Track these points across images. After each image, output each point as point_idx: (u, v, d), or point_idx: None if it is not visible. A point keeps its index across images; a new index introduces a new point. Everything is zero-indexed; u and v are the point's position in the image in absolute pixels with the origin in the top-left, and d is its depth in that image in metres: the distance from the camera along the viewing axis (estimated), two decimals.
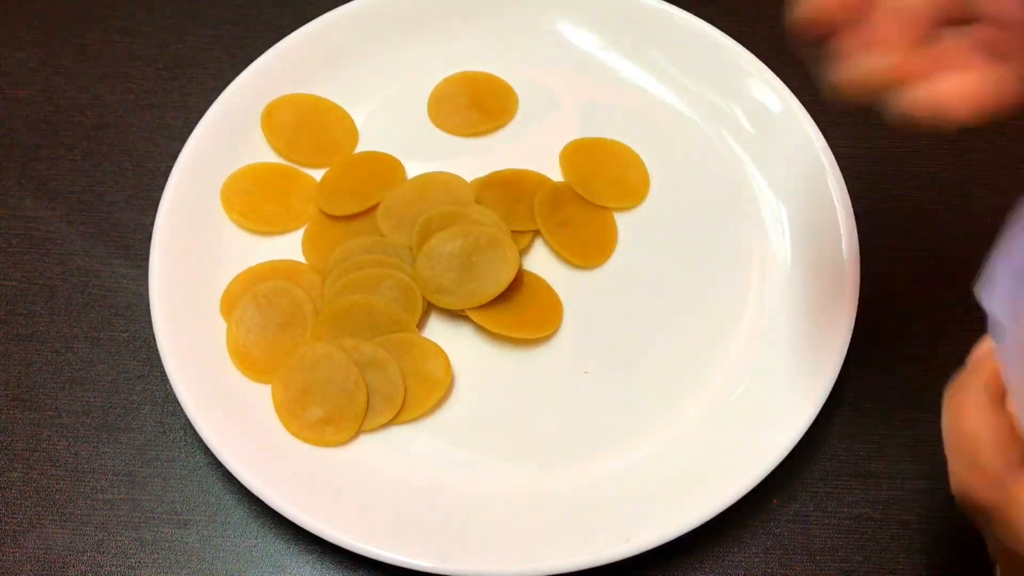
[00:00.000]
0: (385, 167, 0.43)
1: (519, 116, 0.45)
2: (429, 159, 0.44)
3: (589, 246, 0.42)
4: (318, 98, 0.44)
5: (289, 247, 0.41)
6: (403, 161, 0.44)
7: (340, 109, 0.44)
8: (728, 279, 0.41)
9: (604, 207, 0.42)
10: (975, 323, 0.42)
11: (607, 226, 0.42)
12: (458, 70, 0.46)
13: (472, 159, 0.44)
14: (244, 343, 0.38)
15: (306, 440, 0.37)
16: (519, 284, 0.40)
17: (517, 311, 0.39)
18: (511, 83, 0.46)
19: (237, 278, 0.40)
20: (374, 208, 0.42)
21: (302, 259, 0.41)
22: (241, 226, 0.41)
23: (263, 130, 0.43)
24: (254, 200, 0.42)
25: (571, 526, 0.35)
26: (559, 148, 0.44)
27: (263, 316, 0.39)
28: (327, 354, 0.38)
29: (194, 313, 0.39)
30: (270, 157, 0.43)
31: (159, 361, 0.37)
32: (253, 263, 0.41)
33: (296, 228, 0.42)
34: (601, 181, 0.43)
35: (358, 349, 0.38)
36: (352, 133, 0.44)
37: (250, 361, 0.38)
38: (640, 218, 0.42)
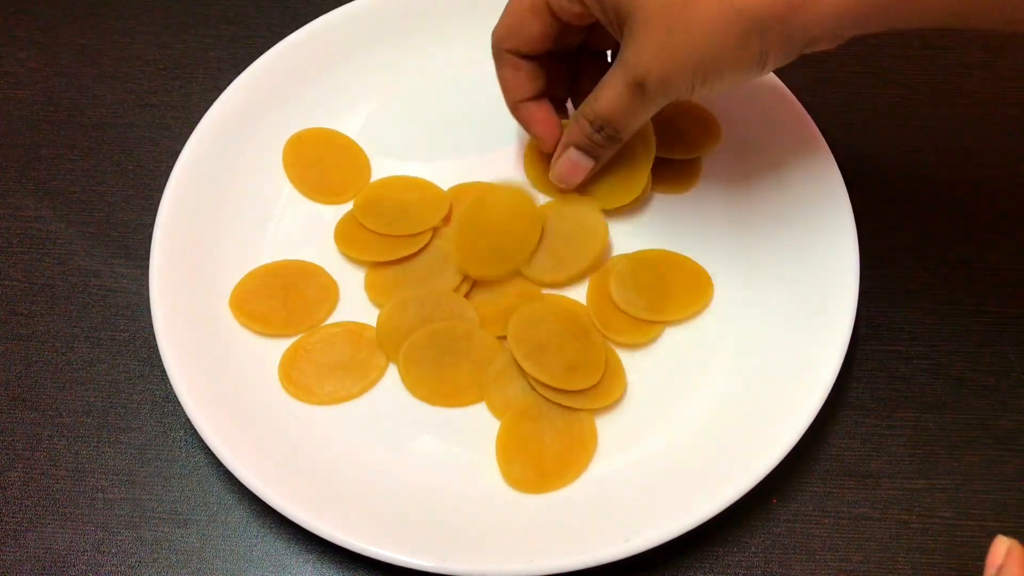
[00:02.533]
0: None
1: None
2: (429, 160, 0.44)
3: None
4: (335, 132, 0.44)
5: (291, 246, 0.42)
6: (402, 162, 0.44)
7: (355, 146, 0.44)
8: (728, 279, 0.41)
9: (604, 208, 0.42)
10: (974, 323, 0.42)
11: (598, 228, 0.42)
12: (458, 70, 0.46)
13: (472, 159, 0.44)
14: (298, 368, 0.39)
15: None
16: None
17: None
18: None
19: (251, 274, 0.40)
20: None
21: (305, 258, 0.41)
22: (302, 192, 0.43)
23: (283, 161, 0.44)
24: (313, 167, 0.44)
25: (571, 526, 0.35)
26: None
27: (330, 353, 0.39)
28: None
29: (194, 313, 0.39)
30: (270, 157, 0.43)
31: (159, 361, 0.37)
32: (253, 263, 0.41)
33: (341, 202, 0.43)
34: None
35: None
36: (365, 171, 0.44)
37: (296, 382, 0.38)
38: (638, 218, 0.43)
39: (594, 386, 0.38)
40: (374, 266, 0.41)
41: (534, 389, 0.38)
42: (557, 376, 0.37)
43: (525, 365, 0.38)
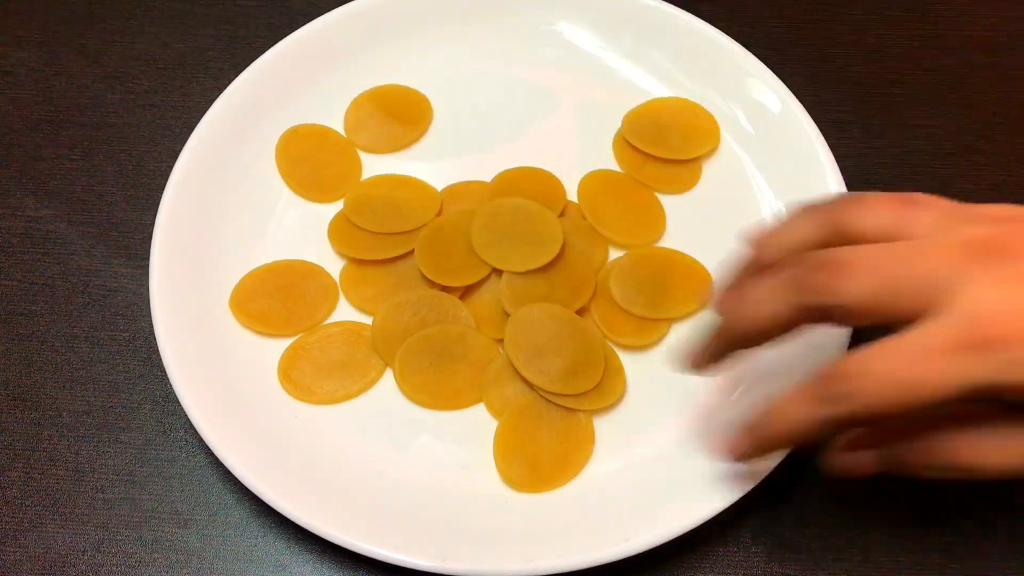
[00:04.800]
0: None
1: (521, 116, 0.45)
2: (424, 160, 0.44)
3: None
4: (327, 129, 0.44)
5: (291, 246, 0.42)
6: (394, 161, 0.44)
7: (346, 141, 0.44)
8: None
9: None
10: None
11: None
12: (458, 70, 0.46)
13: (475, 159, 0.44)
14: (298, 368, 0.39)
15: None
16: None
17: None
18: (509, 83, 0.46)
19: (251, 274, 0.40)
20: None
21: (304, 258, 0.41)
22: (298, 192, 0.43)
23: (276, 157, 0.43)
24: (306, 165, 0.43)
25: (571, 526, 0.35)
26: (559, 148, 0.44)
27: (329, 352, 0.39)
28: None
29: (194, 312, 0.39)
30: (270, 157, 0.43)
31: (159, 361, 0.37)
32: (253, 263, 0.41)
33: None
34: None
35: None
36: (356, 169, 0.44)
37: (296, 381, 0.38)
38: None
39: (594, 387, 0.38)
40: (356, 263, 0.41)
41: (532, 389, 0.38)
42: (557, 381, 0.37)
43: (524, 372, 0.37)
